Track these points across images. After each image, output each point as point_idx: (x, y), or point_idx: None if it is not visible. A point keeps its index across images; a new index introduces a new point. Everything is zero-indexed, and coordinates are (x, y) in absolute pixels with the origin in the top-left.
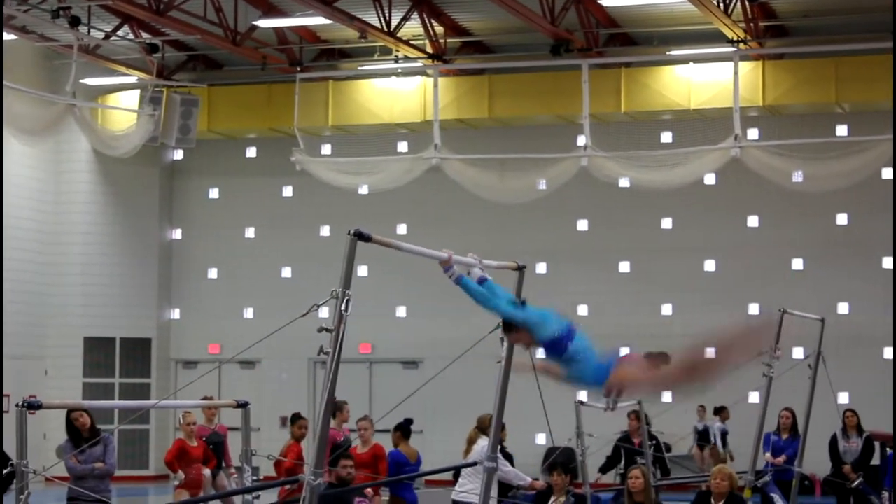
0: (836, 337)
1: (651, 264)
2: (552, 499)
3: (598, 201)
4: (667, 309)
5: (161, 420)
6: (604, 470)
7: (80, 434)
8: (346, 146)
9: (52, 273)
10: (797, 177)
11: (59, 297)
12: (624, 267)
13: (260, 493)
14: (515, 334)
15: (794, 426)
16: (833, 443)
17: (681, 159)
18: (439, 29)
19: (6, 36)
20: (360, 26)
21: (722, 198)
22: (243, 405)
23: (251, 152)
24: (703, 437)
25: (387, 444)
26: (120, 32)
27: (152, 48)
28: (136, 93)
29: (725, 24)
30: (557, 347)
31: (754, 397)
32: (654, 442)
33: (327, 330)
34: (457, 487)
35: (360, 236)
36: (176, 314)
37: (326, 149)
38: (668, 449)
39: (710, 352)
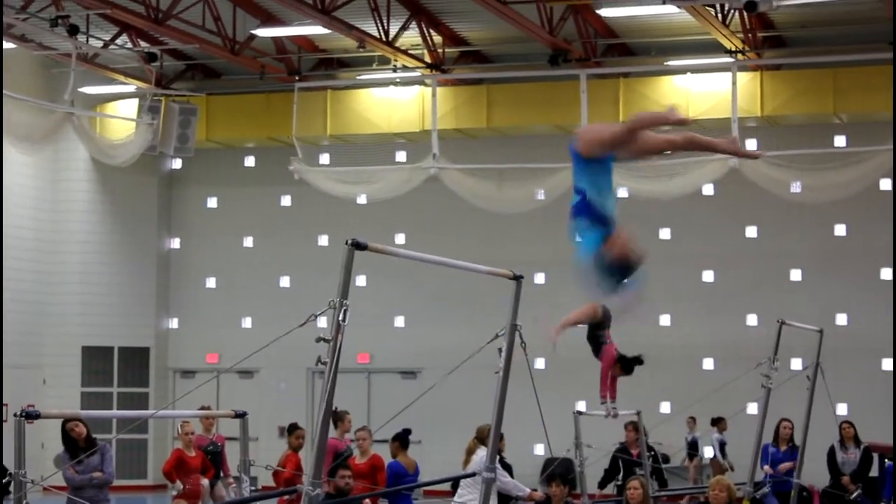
0: (834, 348)
1: (649, 274)
2: None
3: None
4: (665, 319)
5: (159, 429)
6: (603, 484)
7: (77, 444)
8: (344, 155)
9: (51, 282)
10: (796, 187)
11: (57, 306)
12: None
13: (258, 503)
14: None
15: (794, 437)
16: (831, 454)
17: (679, 169)
18: (438, 39)
19: (5, 45)
20: (359, 36)
21: (720, 208)
22: (241, 415)
23: (249, 161)
24: (692, 448)
25: (385, 454)
26: (118, 41)
27: (151, 57)
28: (135, 102)
29: (723, 35)
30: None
31: (753, 408)
32: (651, 453)
33: (325, 340)
34: (455, 498)
35: (357, 246)
36: (174, 323)
37: (325, 158)
38: (666, 460)
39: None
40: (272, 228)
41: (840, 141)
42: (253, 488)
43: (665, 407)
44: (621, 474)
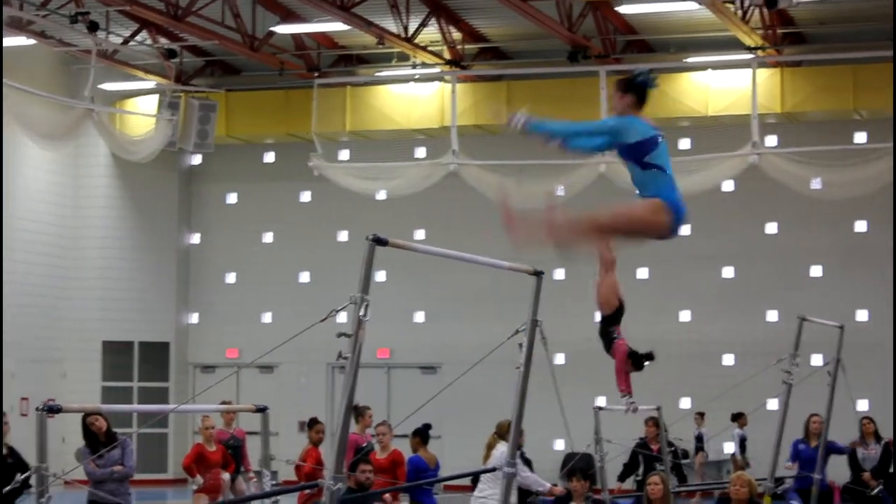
0: (854, 343)
1: (669, 271)
2: None
3: None
4: (685, 316)
5: (179, 424)
6: (622, 478)
7: (97, 438)
8: (363, 151)
9: (71, 277)
10: (816, 184)
11: (77, 301)
12: (642, 273)
13: (279, 497)
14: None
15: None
16: (853, 453)
17: (699, 166)
18: (457, 35)
19: (25, 41)
20: (378, 32)
21: (740, 205)
22: (262, 410)
23: (269, 157)
24: (699, 444)
25: (405, 449)
26: (138, 38)
27: (170, 53)
28: (155, 98)
29: (743, 31)
30: (640, 149)
31: (773, 404)
32: (671, 449)
33: (346, 335)
34: (476, 493)
35: (378, 241)
36: (194, 318)
37: (344, 154)
38: (686, 456)
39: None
40: (291, 224)
41: (860, 137)
42: (274, 483)
43: (685, 403)
44: (641, 469)
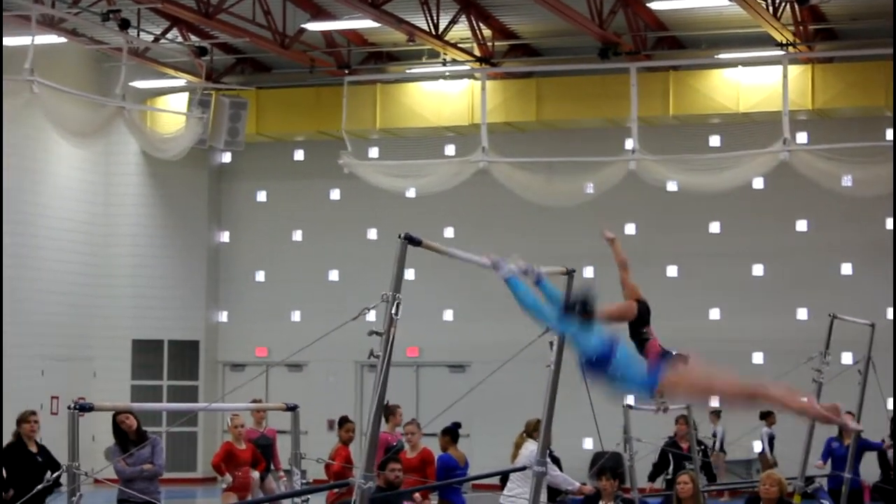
0: (885, 342)
1: (699, 268)
2: (601, 503)
3: (645, 205)
4: (714, 313)
5: (209, 422)
6: (652, 477)
7: (127, 437)
8: (393, 149)
9: (101, 275)
10: (846, 181)
11: (107, 300)
12: (672, 271)
13: (309, 496)
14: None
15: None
16: (882, 452)
17: (729, 163)
18: (487, 32)
19: (57, 39)
20: (408, 29)
21: (770, 202)
22: (292, 408)
23: (299, 155)
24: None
25: (434, 448)
26: (169, 35)
27: (201, 51)
28: (185, 95)
29: (774, 28)
30: (600, 365)
31: None
32: (701, 447)
33: (377, 333)
34: (505, 492)
35: (411, 240)
36: (224, 317)
37: (374, 152)
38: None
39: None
40: (321, 222)
41: (891, 134)
42: (304, 481)
43: (714, 401)
44: (671, 468)
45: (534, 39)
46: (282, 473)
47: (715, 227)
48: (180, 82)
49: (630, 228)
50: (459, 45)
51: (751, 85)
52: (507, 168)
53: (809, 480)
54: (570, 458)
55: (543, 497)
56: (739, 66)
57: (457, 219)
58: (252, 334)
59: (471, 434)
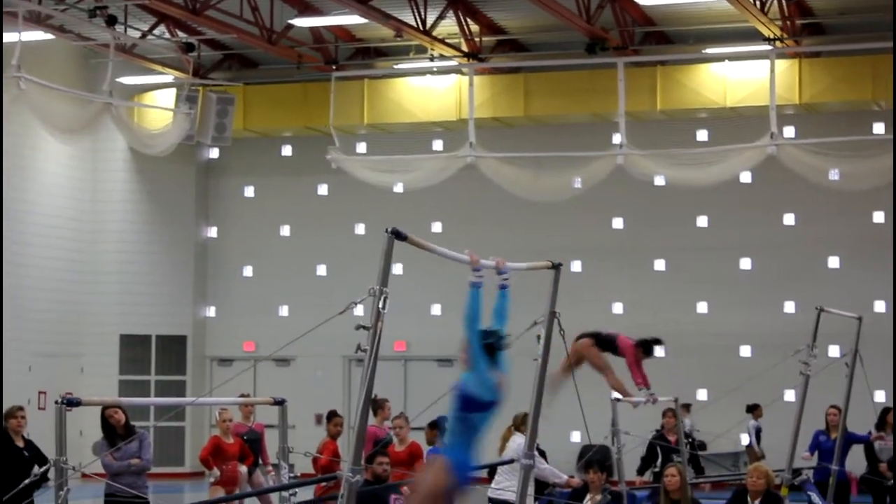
0: (872, 335)
1: (686, 262)
2: (588, 497)
3: (633, 199)
4: (702, 307)
5: (197, 417)
6: (641, 471)
7: (115, 431)
8: (381, 144)
9: (89, 271)
10: (833, 175)
11: (95, 295)
12: (659, 265)
13: (297, 489)
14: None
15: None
16: (869, 444)
17: (717, 157)
18: (475, 27)
19: (44, 35)
20: (396, 25)
21: (758, 196)
22: (280, 402)
23: (286, 151)
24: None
25: (421, 441)
26: (156, 31)
27: (188, 47)
28: (173, 91)
29: (762, 22)
30: (468, 405)
31: (790, 395)
32: (689, 440)
33: (365, 328)
34: (493, 485)
35: (397, 235)
36: (211, 312)
37: (362, 147)
38: (703, 447)
39: None
40: (309, 217)
41: (878, 128)
42: (291, 475)
43: (702, 394)
44: (659, 461)
45: (521, 35)
46: (269, 468)
47: (702, 221)
48: (168, 78)
49: (618, 223)
50: (447, 41)
51: (738, 79)
52: (495, 163)
53: (797, 473)
54: (557, 451)
55: (531, 490)
56: (727, 61)
57: (444, 214)
58: (240, 329)
59: None
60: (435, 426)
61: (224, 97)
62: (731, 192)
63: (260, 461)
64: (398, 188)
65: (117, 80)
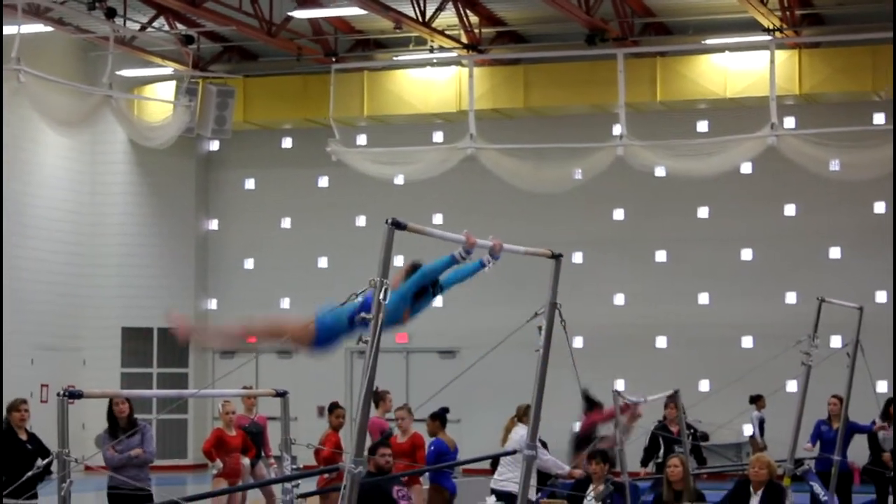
0: (874, 325)
1: (687, 253)
2: (591, 487)
3: (634, 190)
4: (703, 298)
5: (199, 409)
6: (644, 462)
7: (118, 423)
8: (381, 136)
9: (89, 264)
10: (834, 165)
11: (96, 288)
12: (660, 256)
13: (299, 481)
14: None
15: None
16: (872, 434)
17: (717, 148)
18: (474, 19)
19: (43, 28)
20: (396, 17)
21: (758, 187)
22: (282, 394)
23: (287, 143)
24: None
25: (423, 433)
26: (155, 24)
27: (188, 39)
28: (172, 84)
29: (761, 13)
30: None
31: (792, 386)
32: (691, 431)
33: (366, 319)
34: (496, 476)
35: (397, 225)
36: (213, 304)
37: (362, 139)
38: (706, 438)
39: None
40: (310, 210)
41: (879, 118)
42: (294, 467)
43: (704, 385)
44: (661, 451)
45: (521, 26)
46: (272, 460)
47: (703, 213)
48: (167, 71)
49: (618, 214)
50: (446, 33)
51: (738, 70)
52: (495, 155)
53: (799, 463)
54: (560, 441)
55: (533, 481)
56: (727, 52)
57: (445, 205)
58: None
59: (461, 419)
60: (436, 417)
61: (224, 89)
62: (732, 183)
63: (262, 453)
64: (399, 180)
65: (117, 72)
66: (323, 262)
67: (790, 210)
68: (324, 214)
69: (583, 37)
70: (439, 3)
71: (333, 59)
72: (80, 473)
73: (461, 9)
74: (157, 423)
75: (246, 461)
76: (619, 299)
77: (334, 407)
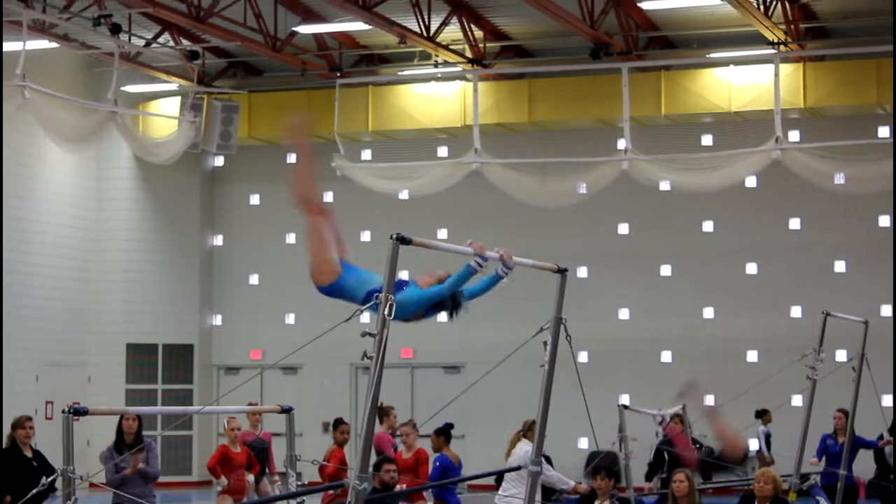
0: (879, 339)
1: (692, 267)
2: (596, 503)
3: (638, 205)
4: (708, 312)
5: (204, 426)
6: (649, 477)
7: (123, 439)
8: (386, 151)
9: (95, 280)
10: (839, 179)
11: (101, 304)
12: (665, 270)
13: (304, 497)
14: None
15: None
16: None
17: (721, 162)
18: (479, 33)
19: (48, 44)
20: (400, 31)
21: (763, 200)
22: (287, 410)
23: (292, 158)
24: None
25: (427, 448)
26: (160, 40)
27: (192, 55)
28: (177, 100)
29: (766, 27)
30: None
31: (798, 400)
32: (697, 446)
33: (371, 334)
34: (500, 492)
35: (402, 240)
36: (218, 320)
37: (367, 154)
38: (711, 453)
39: None
40: None
41: (884, 132)
42: (299, 483)
43: (709, 400)
44: (666, 466)
45: (525, 40)
46: (276, 477)
47: (708, 226)
48: (172, 86)
49: (623, 228)
50: (451, 47)
51: (742, 84)
52: (500, 169)
53: (804, 478)
54: (564, 457)
55: (538, 497)
56: (731, 66)
57: (450, 220)
58: (246, 337)
59: (466, 435)
60: (441, 433)
61: (229, 105)
62: (737, 197)
63: (266, 470)
64: (403, 195)
65: (122, 88)
66: None
67: (795, 224)
68: None
69: (587, 51)
70: (444, 18)
71: (338, 74)
72: (84, 490)
73: (466, 23)
74: (163, 440)
75: (250, 478)
76: (624, 314)
77: (339, 423)
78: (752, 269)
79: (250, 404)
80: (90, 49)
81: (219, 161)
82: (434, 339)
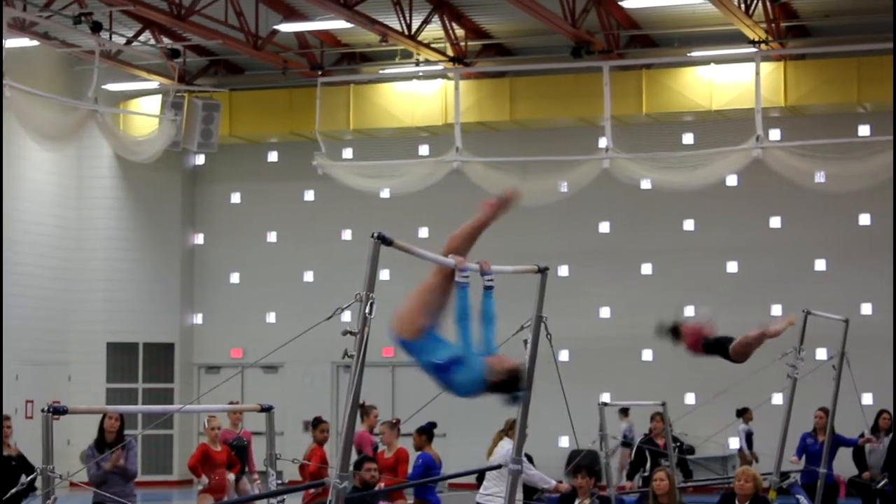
0: (859, 337)
1: (673, 266)
2: (577, 501)
3: (619, 203)
4: (690, 311)
5: (184, 425)
6: (630, 476)
7: (104, 438)
8: (367, 150)
9: (75, 279)
10: (820, 177)
11: (81, 303)
12: (646, 269)
13: (284, 496)
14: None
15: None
16: (858, 449)
17: (702, 160)
18: (460, 32)
19: (28, 42)
20: (381, 30)
21: (744, 199)
22: (267, 409)
23: (273, 157)
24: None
25: (408, 447)
26: (141, 38)
27: (173, 53)
28: (158, 98)
29: (747, 25)
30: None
31: (778, 399)
32: (677, 444)
33: (352, 333)
34: (481, 490)
35: (383, 240)
36: (199, 319)
37: (348, 153)
38: (691, 451)
39: None
40: (296, 223)
41: (864, 130)
42: (280, 482)
43: (690, 398)
44: (648, 465)
45: (506, 39)
46: (255, 476)
47: (689, 225)
48: (153, 85)
49: (604, 227)
50: (432, 46)
51: (724, 82)
52: (481, 168)
53: (784, 476)
54: (545, 455)
55: (519, 495)
56: (712, 64)
57: (431, 219)
58: (227, 336)
59: (447, 433)
60: (424, 432)
61: (210, 103)
62: (718, 196)
63: (246, 469)
64: (385, 194)
65: (102, 86)
66: (309, 276)
67: (776, 222)
68: (310, 228)
69: (568, 49)
70: (425, 17)
71: (319, 73)
72: (64, 490)
73: (447, 22)
74: (143, 439)
75: (231, 477)
76: (605, 312)
77: (318, 422)
78: (732, 267)
79: (231, 403)
80: (71, 47)
81: (200, 160)
82: None
